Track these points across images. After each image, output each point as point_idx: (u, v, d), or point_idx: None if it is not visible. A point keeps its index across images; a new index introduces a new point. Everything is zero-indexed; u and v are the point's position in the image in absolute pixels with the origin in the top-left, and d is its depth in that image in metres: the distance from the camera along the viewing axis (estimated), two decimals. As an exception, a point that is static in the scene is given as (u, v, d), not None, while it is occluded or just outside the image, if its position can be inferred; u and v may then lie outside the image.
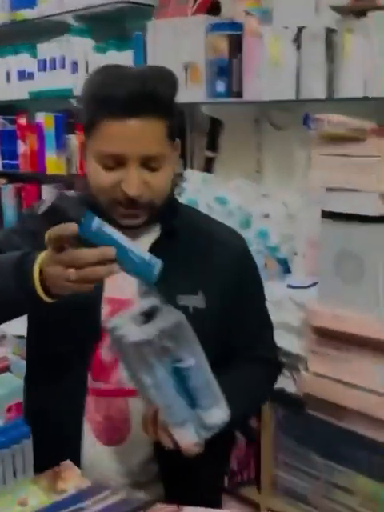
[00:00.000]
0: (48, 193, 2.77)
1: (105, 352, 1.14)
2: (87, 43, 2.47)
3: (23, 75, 2.71)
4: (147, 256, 0.93)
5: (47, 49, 2.59)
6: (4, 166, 2.93)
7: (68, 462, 1.16)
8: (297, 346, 1.75)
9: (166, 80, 1.06)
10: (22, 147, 2.83)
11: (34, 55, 2.66)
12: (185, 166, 2.50)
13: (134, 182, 1.04)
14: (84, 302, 1.05)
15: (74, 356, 1.15)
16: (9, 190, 2.98)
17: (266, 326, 1.28)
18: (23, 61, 2.70)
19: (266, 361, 1.26)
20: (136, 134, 1.03)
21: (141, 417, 1.05)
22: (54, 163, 2.64)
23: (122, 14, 2.44)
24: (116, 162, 1.05)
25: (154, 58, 2.15)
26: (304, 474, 1.84)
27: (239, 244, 1.25)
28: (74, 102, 2.54)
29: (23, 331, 1.29)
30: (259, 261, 1.81)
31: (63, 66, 2.53)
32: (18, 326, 1.32)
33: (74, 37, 2.47)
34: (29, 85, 2.69)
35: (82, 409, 1.16)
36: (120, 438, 1.17)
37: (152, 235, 1.16)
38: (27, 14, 2.61)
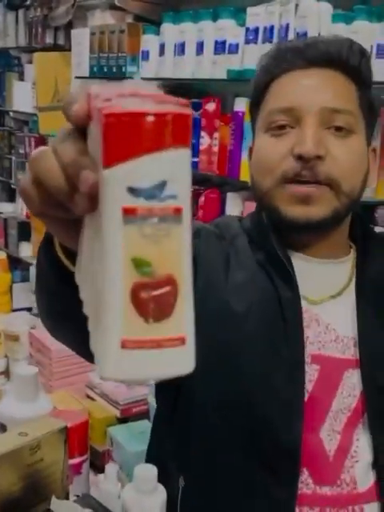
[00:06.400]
0: (235, 205, 2.12)
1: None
2: (323, 9, 1.78)
3: (222, 48, 2.05)
4: None
5: (261, 14, 1.92)
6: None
7: None
8: None
9: (355, 47, 0.84)
10: (205, 141, 2.20)
11: (242, 22, 2.00)
12: None
13: (308, 137, 0.78)
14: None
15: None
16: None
17: None
18: (225, 29, 2.04)
19: None
20: (315, 82, 0.82)
21: None
22: (251, 168, 2.00)
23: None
24: (289, 120, 0.81)
25: None
26: None
27: None
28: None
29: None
30: None
31: (280, 38, 1.86)
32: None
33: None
34: (228, 60, 2.03)
35: None
36: None
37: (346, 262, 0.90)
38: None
